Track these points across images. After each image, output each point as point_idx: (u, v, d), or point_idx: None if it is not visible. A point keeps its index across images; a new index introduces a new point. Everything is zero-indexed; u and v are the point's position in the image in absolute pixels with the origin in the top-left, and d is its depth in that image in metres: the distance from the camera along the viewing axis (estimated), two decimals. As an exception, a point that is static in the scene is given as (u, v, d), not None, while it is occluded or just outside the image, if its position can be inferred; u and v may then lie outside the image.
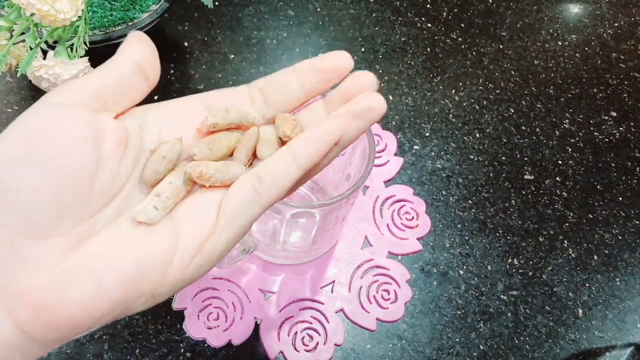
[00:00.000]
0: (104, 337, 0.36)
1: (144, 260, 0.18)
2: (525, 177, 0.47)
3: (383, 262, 0.41)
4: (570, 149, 0.50)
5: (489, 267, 0.42)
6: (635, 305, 0.41)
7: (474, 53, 0.56)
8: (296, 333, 0.37)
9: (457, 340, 0.38)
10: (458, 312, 0.40)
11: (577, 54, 0.57)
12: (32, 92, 0.47)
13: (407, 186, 0.45)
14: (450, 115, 0.51)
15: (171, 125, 0.21)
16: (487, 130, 0.50)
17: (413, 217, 0.43)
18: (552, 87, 0.54)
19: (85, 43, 0.40)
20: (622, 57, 0.58)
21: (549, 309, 0.40)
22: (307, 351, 0.37)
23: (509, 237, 0.44)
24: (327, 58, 0.22)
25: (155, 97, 0.47)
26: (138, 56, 0.20)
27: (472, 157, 0.48)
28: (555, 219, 0.45)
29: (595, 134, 0.51)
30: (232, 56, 0.53)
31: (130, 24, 0.44)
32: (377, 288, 0.40)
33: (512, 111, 0.52)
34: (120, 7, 0.45)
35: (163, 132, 0.21)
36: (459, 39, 0.57)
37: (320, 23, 0.57)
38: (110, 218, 0.19)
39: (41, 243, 0.17)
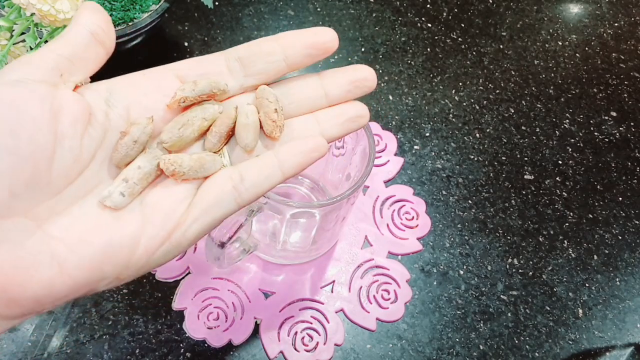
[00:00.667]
0: (104, 337, 0.36)
1: (109, 245, 0.18)
2: (525, 177, 0.47)
3: (383, 262, 0.41)
4: (570, 149, 0.50)
5: (489, 267, 0.42)
6: (635, 305, 0.41)
7: (474, 53, 0.56)
8: (296, 333, 0.37)
9: (457, 340, 0.38)
10: (458, 312, 0.40)
11: (577, 54, 0.57)
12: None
13: (407, 186, 0.45)
14: (451, 115, 0.51)
15: (141, 100, 0.20)
16: (487, 130, 0.50)
17: (413, 217, 0.43)
18: (552, 87, 0.54)
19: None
20: (622, 57, 0.58)
21: (549, 309, 0.40)
22: (307, 351, 0.37)
23: (509, 237, 0.44)
24: (315, 33, 0.21)
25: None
26: (92, 24, 0.20)
27: (472, 157, 0.48)
28: (555, 219, 0.45)
29: (596, 134, 0.51)
30: (232, 56, 0.53)
31: (130, 24, 0.44)
32: (377, 288, 0.40)
33: (512, 111, 0.52)
34: (120, 7, 0.45)
35: (132, 107, 0.20)
36: (459, 39, 0.57)
37: (320, 23, 0.57)
38: (75, 197, 0.19)
39: (2, 223, 0.17)
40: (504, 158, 0.48)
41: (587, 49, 0.58)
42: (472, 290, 0.41)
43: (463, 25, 0.58)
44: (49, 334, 0.36)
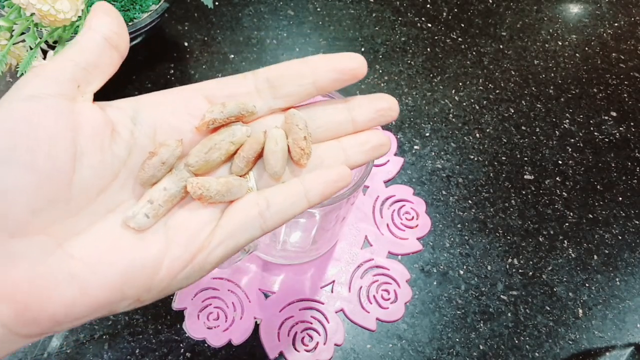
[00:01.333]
0: (104, 337, 0.36)
1: (131, 266, 0.18)
2: (525, 177, 0.47)
3: (383, 262, 0.41)
4: (570, 149, 0.50)
5: (489, 267, 0.42)
6: (635, 305, 0.41)
7: (474, 53, 0.56)
8: (296, 333, 0.37)
9: (457, 340, 0.38)
10: (458, 312, 0.40)
11: (577, 54, 0.57)
12: (32, 92, 0.47)
13: (407, 186, 0.45)
14: (450, 115, 0.51)
15: (168, 119, 0.20)
16: (487, 130, 0.50)
17: (413, 217, 0.43)
18: (552, 87, 0.54)
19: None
20: (622, 57, 0.58)
21: (549, 309, 0.40)
22: (307, 351, 0.37)
23: (509, 237, 0.44)
24: (345, 59, 0.21)
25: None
26: (105, 28, 0.19)
27: (472, 157, 0.48)
28: (555, 219, 0.45)
29: (595, 134, 0.51)
30: (232, 56, 0.53)
31: (130, 24, 0.44)
32: (377, 288, 0.40)
33: (512, 111, 0.52)
34: (120, 7, 0.45)
35: (159, 126, 0.20)
36: (459, 39, 0.57)
37: (320, 23, 0.57)
38: (97, 215, 0.18)
39: (22, 240, 0.16)
40: (504, 158, 0.48)
41: (587, 49, 0.58)
42: (472, 290, 0.41)
43: (463, 25, 0.58)
44: (48, 334, 0.36)
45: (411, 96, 0.52)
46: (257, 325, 0.37)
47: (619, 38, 0.60)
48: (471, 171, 0.47)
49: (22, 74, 0.37)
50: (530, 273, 0.42)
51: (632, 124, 0.52)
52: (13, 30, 0.38)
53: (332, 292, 0.39)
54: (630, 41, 0.59)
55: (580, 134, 0.51)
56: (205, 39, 0.54)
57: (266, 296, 0.39)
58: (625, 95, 0.55)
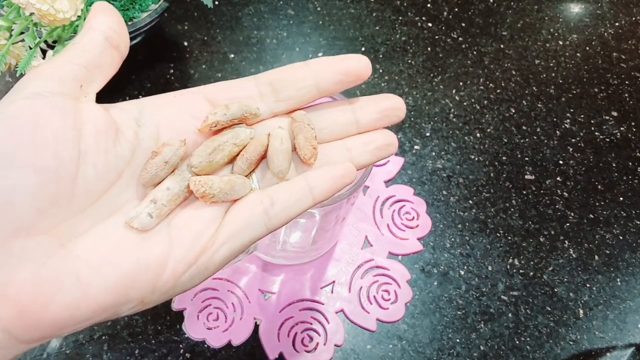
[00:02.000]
0: (104, 337, 0.36)
1: (135, 268, 0.18)
2: (526, 177, 0.47)
3: (383, 262, 0.41)
4: (571, 149, 0.50)
5: (490, 268, 0.42)
6: (636, 306, 0.41)
7: (475, 53, 0.56)
8: (296, 334, 0.37)
9: (458, 340, 0.38)
10: (458, 312, 0.39)
11: (578, 54, 0.57)
12: (32, 92, 0.47)
13: (407, 186, 0.45)
14: (451, 115, 0.51)
15: (171, 121, 0.20)
16: (488, 130, 0.50)
17: (413, 217, 0.43)
18: (552, 87, 0.54)
19: (84, 43, 0.40)
20: (623, 57, 0.58)
21: (549, 309, 0.40)
22: (307, 352, 0.36)
23: (509, 237, 0.43)
24: (348, 60, 0.21)
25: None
26: (106, 27, 0.19)
27: (472, 157, 0.48)
28: (556, 219, 0.45)
29: (596, 133, 0.51)
30: (232, 56, 0.53)
31: (129, 23, 0.44)
32: (378, 288, 0.40)
33: (513, 111, 0.52)
34: (119, 6, 0.45)
35: (162, 128, 0.20)
36: (460, 39, 0.57)
37: (321, 22, 0.56)
38: (100, 216, 0.18)
39: (24, 241, 0.16)
40: (504, 158, 0.48)
41: (587, 48, 0.58)
42: (473, 290, 0.41)
43: (463, 24, 0.58)
44: (48, 334, 0.36)
45: (411, 96, 0.52)
46: (257, 326, 0.37)
47: (620, 38, 0.59)
48: (472, 171, 0.47)
49: (22, 74, 0.37)
50: (531, 273, 0.42)
51: (633, 123, 0.52)
52: (12, 30, 0.38)
53: (332, 292, 0.39)
54: (631, 41, 0.59)
55: (581, 134, 0.51)
56: (205, 38, 0.54)
57: (266, 296, 0.39)
58: (626, 95, 0.54)
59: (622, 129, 0.52)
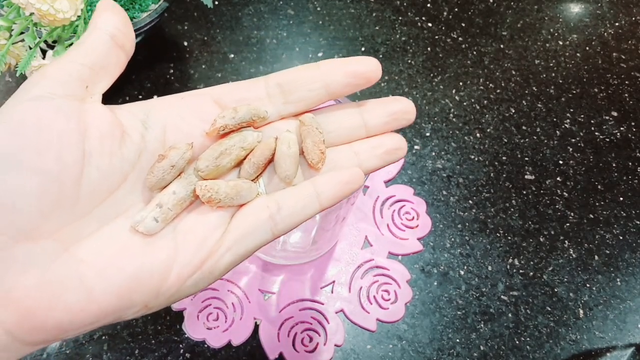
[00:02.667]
0: (104, 337, 0.36)
1: (140, 271, 0.17)
2: (526, 177, 0.47)
3: (383, 262, 0.41)
4: (571, 149, 0.50)
5: (490, 268, 0.42)
6: (636, 306, 0.41)
7: (475, 53, 0.56)
8: (296, 334, 0.37)
9: (458, 340, 0.38)
10: (458, 312, 0.39)
11: (578, 54, 0.57)
12: (32, 92, 0.47)
13: (407, 186, 0.45)
14: (451, 115, 0.51)
15: (178, 124, 0.20)
16: (488, 130, 0.50)
17: (413, 217, 0.43)
18: (552, 87, 0.54)
19: (84, 43, 0.40)
20: (623, 57, 0.58)
21: (549, 309, 0.40)
22: (307, 352, 0.36)
23: (509, 238, 0.43)
24: (358, 62, 0.21)
25: (155, 97, 0.46)
26: (111, 27, 0.19)
27: (472, 157, 0.48)
28: (556, 219, 0.45)
29: (596, 133, 0.51)
30: (232, 56, 0.52)
31: (129, 23, 0.44)
32: (378, 288, 0.40)
33: (513, 111, 0.52)
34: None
35: (169, 130, 0.20)
36: (460, 39, 0.57)
37: (321, 22, 0.56)
38: (104, 219, 0.18)
39: (28, 245, 0.16)
40: (504, 158, 0.48)
41: (587, 48, 0.58)
42: (473, 290, 0.41)
43: (463, 24, 0.58)
44: (48, 334, 0.36)
45: (411, 96, 0.52)
46: (256, 326, 0.37)
47: (619, 38, 0.59)
48: (472, 171, 0.47)
49: (22, 74, 0.37)
50: (531, 273, 0.42)
51: (633, 123, 0.52)
52: (12, 30, 0.38)
53: (332, 292, 0.39)
54: (631, 41, 0.59)
55: (581, 134, 0.51)
56: (205, 38, 0.54)
57: (266, 297, 0.39)
58: (626, 95, 0.54)
59: (622, 129, 0.52)
